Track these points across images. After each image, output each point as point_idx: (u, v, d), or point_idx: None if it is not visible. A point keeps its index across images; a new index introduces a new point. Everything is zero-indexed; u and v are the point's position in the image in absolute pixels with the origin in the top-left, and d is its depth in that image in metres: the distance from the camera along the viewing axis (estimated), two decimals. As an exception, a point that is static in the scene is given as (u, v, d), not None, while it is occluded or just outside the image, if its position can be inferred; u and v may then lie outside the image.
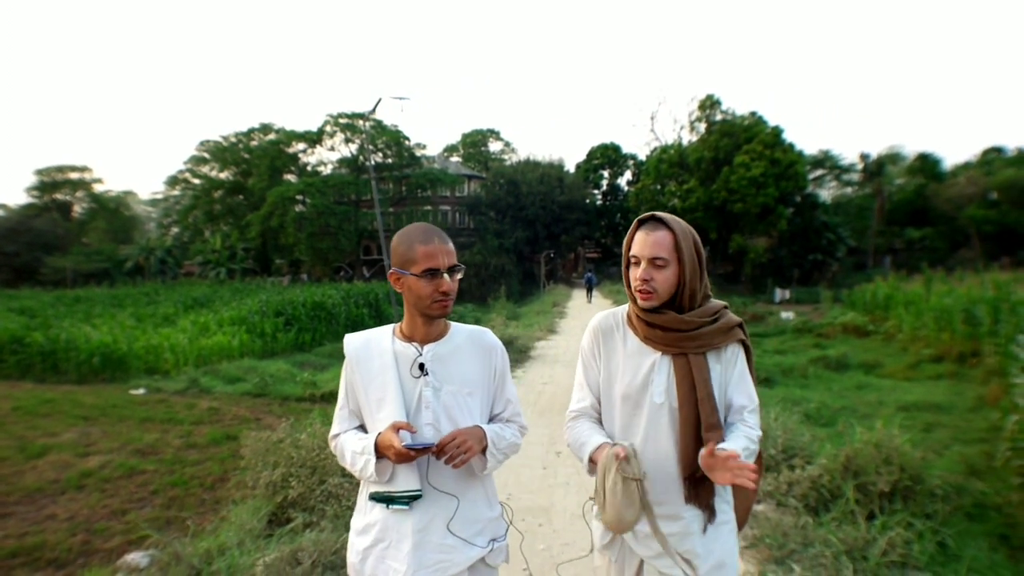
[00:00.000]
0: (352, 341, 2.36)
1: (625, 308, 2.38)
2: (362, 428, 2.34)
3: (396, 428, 2.08)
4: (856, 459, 5.23)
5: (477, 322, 19.69)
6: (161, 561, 4.12)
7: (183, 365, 15.01)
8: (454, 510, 2.20)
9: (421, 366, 2.25)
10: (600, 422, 2.40)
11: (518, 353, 15.19)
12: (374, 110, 31.14)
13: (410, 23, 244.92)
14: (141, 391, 12.58)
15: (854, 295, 24.71)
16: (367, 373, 2.28)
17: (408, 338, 2.30)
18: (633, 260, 2.25)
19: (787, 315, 25.05)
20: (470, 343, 2.35)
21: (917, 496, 4.99)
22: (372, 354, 2.29)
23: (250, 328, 19.43)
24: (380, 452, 2.13)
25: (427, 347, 2.28)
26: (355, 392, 2.32)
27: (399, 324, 2.35)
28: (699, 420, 2.15)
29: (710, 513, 2.21)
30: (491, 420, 2.40)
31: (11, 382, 14.12)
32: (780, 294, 37.79)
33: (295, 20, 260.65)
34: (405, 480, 2.17)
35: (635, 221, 2.27)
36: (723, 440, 2.13)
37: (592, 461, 2.26)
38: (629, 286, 2.28)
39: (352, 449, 2.23)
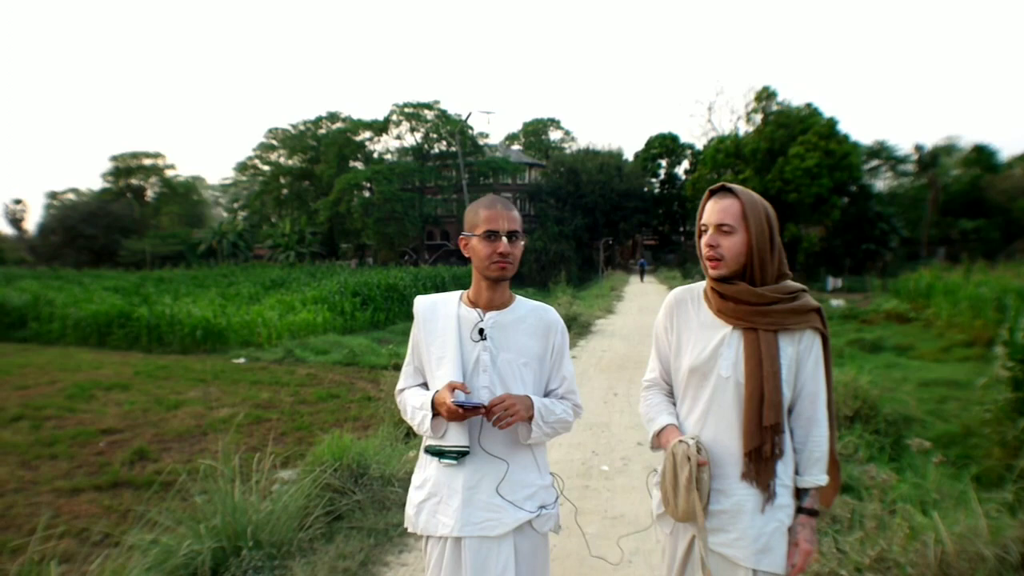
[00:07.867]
0: (421, 302, 2.48)
1: (703, 283, 2.36)
2: (425, 385, 2.43)
3: (451, 387, 2.18)
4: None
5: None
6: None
7: (275, 339, 16.36)
8: (504, 473, 2.28)
9: (481, 331, 2.33)
10: (671, 393, 2.43)
11: (581, 328, 17.31)
12: (466, 122, 32.71)
13: (475, 13, 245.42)
14: (242, 360, 14.02)
15: (900, 284, 25.16)
16: (431, 333, 2.38)
17: (473, 304, 2.38)
18: (703, 228, 2.25)
19: (836, 302, 25.64)
20: (532, 317, 2.41)
21: (872, 420, 6.82)
22: (438, 315, 2.39)
23: (331, 307, 20.89)
24: (436, 409, 2.23)
25: (489, 314, 2.36)
26: (419, 350, 2.43)
27: (467, 291, 2.43)
28: (763, 396, 2.12)
29: (768, 494, 2.15)
30: (546, 395, 2.43)
31: (120, 352, 15.74)
32: (832, 283, 38.18)
33: (364, 9, 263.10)
34: (456, 437, 2.26)
35: (707, 191, 2.28)
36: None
37: (657, 437, 2.32)
38: (702, 256, 2.28)
39: (412, 404, 2.34)
